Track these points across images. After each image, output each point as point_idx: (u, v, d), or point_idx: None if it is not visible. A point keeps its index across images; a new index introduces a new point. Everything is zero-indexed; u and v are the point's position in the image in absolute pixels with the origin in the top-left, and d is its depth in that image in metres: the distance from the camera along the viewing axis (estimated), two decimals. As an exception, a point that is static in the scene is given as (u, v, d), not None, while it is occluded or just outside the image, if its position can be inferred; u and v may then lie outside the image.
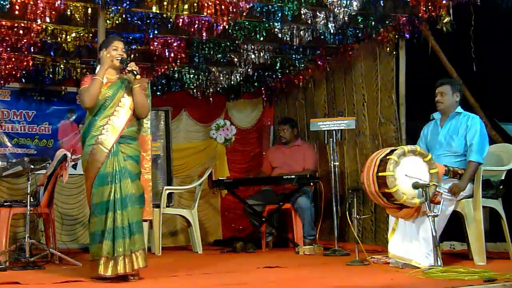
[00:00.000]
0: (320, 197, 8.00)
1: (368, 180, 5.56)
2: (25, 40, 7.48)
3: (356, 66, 8.39)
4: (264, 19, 7.25)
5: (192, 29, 7.22)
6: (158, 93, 9.33)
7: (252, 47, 8.19)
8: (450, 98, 6.06)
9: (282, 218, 8.90)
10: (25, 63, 8.15)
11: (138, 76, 5.24)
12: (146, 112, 5.46)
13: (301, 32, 7.54)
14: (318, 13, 7.12)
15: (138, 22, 7.09)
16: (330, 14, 7.08)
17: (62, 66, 8.49)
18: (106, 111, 5.21)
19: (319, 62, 8.88)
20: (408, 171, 5.37)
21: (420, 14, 6.99)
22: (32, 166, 6.53)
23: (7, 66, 8.11)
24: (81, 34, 7.43)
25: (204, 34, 7.27)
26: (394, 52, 7.62)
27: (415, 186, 5.32)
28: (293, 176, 7.75)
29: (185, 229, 9.15)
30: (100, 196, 5.07)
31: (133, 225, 5.07)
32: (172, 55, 7.93)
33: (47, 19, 6.70)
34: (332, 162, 7.32)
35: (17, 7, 6.55)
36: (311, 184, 8.09)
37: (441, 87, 6.10)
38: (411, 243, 5.55)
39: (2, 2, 6.36)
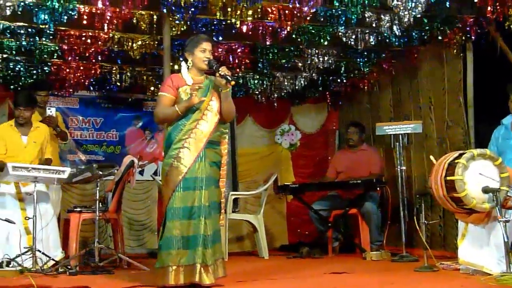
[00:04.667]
0: (387, 202, 7.91)
1: (436, 184, 5.45)
2: (92, 49, 7.66)
3: (422, 69, 8.27)
4: (328, 24, 7.22)
5: (256, 35, 7.25)
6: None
7: (316, 51, 8.16)
8: None
9: (348, 223, 8.82)
10: (93, 71, 8.35)
11: (232, 82, 5.07)
12: (233, 116, 5.32)
13: (366, 36, 7.48)
14: (382, 16, 7.05)
15: (203, 28, 7.13)
16: (394, 17, 7.01)
17: (128, 73, 8.64)
18: (195, 115, 5.04)
19: (384, 66, 8.77)
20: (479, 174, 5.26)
21: (487, 15, 6.84)
22: (101, 173, 6.64)
23: (76, 75, 8.31)
24: (147, 42, 7.54)
25: (268, 39, 7.29)
26: (461, 54, 7.49)
27: (485, 190, 5.19)
28: (359, 181, 7.69)
29: (251, 235, 9.16)
30: (184, 200, 4.90)
31: (216, 234, 4.98)
32: (236, 61, 7.99)
33: (114, 28, 6.85)
34: (399, 167, 7.23)
35: (85, 16, 6.73)
36: (378, 189, 8.02)
37: None
38: (481, 249, 5.40)
39: (70, 12, 6.53)
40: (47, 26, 6.76)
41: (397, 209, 7.30)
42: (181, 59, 5.37)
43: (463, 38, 7.41)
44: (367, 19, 7.05)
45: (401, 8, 6.68)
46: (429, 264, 5.99)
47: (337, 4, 6.79)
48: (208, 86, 5.17)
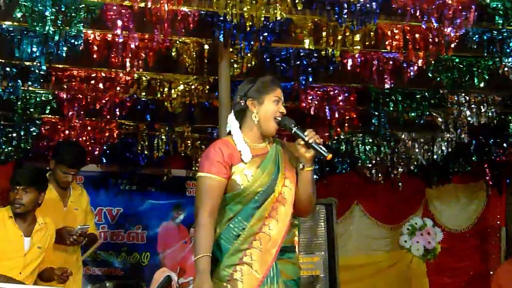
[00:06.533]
0: None
1: None
2: (107, 99, 7.72)
3: None
4: (485, 53, 7.18)
5: (368, 73, 7.26)
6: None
7: (467, 98, 8.10)
8: None
9: None
10: (107, 133, 8.43)
11: (329, 156, 4.76)
12: (312, 209, 5.24)
13: (551, 72, 7.40)
14: None
15: (283, 64, 7.15)
16: None
17: (163, 136, 8.73)
18: (260, 211, 4.81)
19: None
20: None
21: None
22: (119, 296, 6.65)
23: (81, 139, 8.34)
24: (193, 86, 7.59)
25: (387, 80, 7.27)
26: None
27: None
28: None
29: None
30: None
31: None
32: (336, 114, 7.97)
33: (141, 65, 6.89)
34: None
35: (95, 47, 6.78)
36: None
37: None
38: None
39: (73, 40, 6.55)
40: (36, 63, 6.87)
41: None
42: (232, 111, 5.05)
43: None
44: (552, 44, 6.99)
45: None
46: None
47: (500, 21, 6.71)
48: (276, 161, 4.96)
